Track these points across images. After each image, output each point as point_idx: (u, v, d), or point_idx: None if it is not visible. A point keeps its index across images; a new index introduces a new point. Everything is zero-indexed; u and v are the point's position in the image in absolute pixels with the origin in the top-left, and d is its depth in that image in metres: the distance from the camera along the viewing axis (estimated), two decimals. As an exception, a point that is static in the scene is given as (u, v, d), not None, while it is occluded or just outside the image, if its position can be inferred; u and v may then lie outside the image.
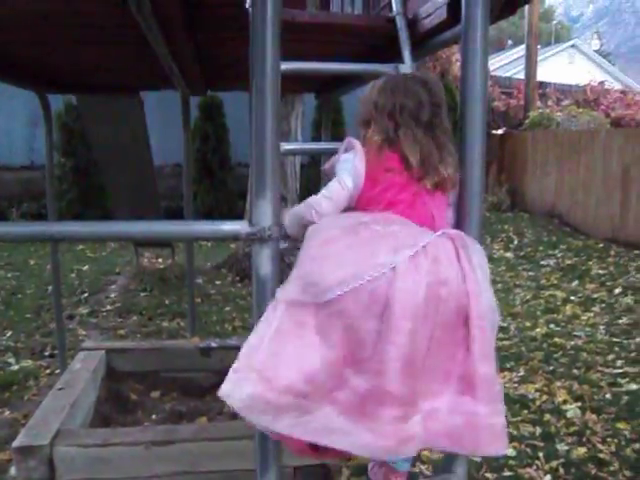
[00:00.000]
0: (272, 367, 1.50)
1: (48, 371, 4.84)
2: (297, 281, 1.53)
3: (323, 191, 1.65)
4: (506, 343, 5.14)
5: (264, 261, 1.54)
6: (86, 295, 6.98)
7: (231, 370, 1.53)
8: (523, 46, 15.61)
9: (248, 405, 1.50)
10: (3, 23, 2.30)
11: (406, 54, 2.16)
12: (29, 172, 11.30)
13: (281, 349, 1.51)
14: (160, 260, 8.55)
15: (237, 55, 2.44)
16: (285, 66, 1.82)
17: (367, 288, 1.48)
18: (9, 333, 5.71)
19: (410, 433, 1.54)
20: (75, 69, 3.41)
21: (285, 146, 2.03)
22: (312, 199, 1.64)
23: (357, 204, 1.67)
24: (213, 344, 4.18)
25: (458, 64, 12.83)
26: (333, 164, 1.72)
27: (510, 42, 34.11)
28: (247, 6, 1.80)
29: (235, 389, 1.51)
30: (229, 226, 1.57)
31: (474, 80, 1.64)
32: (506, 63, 27.12)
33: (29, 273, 8.02)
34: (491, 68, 19.54)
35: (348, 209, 1.67)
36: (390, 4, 2.48)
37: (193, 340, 4.49)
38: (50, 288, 7.37)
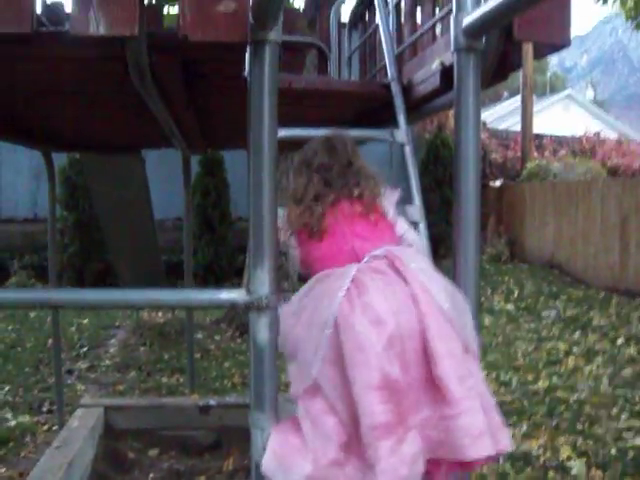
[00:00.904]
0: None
1: (46, 427, 4.79)
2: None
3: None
4: (508, 398, 5.10)
5: (262, 329, 1.56)
6: (85, 349, 6.96)
7: None
8: (519, 97, 15.87)
9: None
10: (10, 90, 2.37)
11: (401, 119, 2.23)
12: (32, 225, 11.38)
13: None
14: (160, 314, 8.54)
15: (237, 117, 2.50)
16: (282, 133, 1.87)
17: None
18: (7, 387, 5.68)
19: (413, 450, 1.60)
20: (78, 130, 3.48)
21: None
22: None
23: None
24: (212, 402, 4.17)
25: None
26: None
27: (506, 94, 34.61)
28: (245, 74, 1.91)
29: None
30: (227, 295, 1.59)
31: (467, 147, 1.69)
32: (502, 115, 27.50)
33: (29, 326, 8.01)
34: (488, 120, 19.80)
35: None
36: (385, 69, 2.55)
37: (192, 398, 4.49)
38: (50, 342, 7.37)
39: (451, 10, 1.80)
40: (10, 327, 7.95)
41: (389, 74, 2.40)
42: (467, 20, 1.60)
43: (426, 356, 1.62)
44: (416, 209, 2.17)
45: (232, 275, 10.49)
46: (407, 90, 2.34)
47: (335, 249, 1.81)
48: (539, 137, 15.46)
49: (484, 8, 1.53)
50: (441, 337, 1.63)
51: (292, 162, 2.05)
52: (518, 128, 14.73)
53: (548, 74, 48.00)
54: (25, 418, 4.95)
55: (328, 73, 4.21)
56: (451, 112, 11.63)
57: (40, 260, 11.13)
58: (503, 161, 13.83)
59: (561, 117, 27.59)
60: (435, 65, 2.03)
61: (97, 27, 1.41)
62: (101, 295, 1.57)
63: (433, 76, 2.07)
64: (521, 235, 12.08)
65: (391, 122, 2.29)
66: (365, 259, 1.75)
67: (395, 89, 2.34)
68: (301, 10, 7.26)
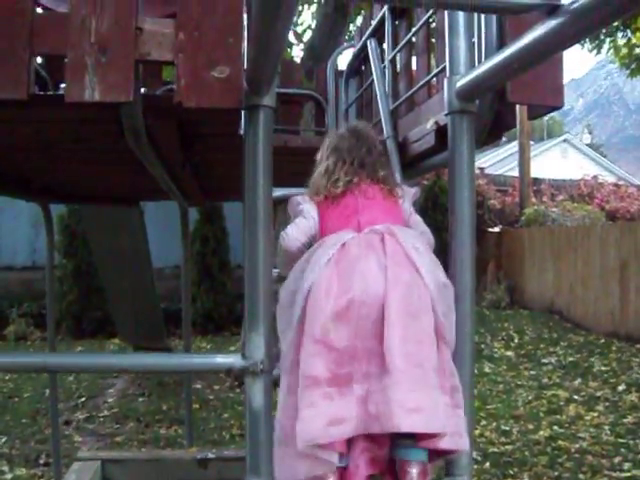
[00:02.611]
0: None
1: (42, 480, 4.74)
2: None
3: (294, 220, 1.98)
4: (509, 448, 5.04)
5: (257, 394, 1.55)
6: (83, 399, 6.89)
7: None
8: (516, 142, 16.00)
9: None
10: (7, 146, 2.39)
11: (397, 175, 2.24)
12: (31, 272, 11.34)
13: None
14: (159, 362, 8.46)
15: (234, 172, 2.52)
16: (278, 193, 1.88)
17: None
18: (4, 439, 5.61)
19: (339, 414, 1.64)
20: (76, 182, 3.51)
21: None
22: (282, 233, 1.96)
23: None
24: (210, 455, 4.12)
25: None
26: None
27: (504, 139, 34.93)
28: (241, 132, 1.95)
29: None
30: (222, 360, 1.58)
31: (462, 207, 1.70)
32: (500, 159, 27.71)
33: (27, 376, 7.92)
34: (485, 165, 19.99)
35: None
36: (381, 124, 2.58)
37: (190, 450, 4.43)
38: (47, 392, 7.31)
39: (445, 68, 1.84)
40: (7, 377, 7.88)
41: (385, 131, 2.43)
42: (460, 83, 1.63)
43: (380, 333, 1.67)
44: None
45: (231, 323, 10.44)
46: (403, 146, 2.37)
47: (343, 219, 1.89)
48: (537, 181, 15.55)
49: (476, 72, 1.56)
50: (399, 312, 1.67)
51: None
52: (516, 172, 14.82)
53: (545, 118, 48.48)
54: (22, 471, 4.89)
55: (325, 124, 4.24)
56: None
57: (39, 308, 11.09)
58: (501, 207, 13.88)
59: (559, 161, 27.82)
60: (430, 125, 2.05)
61: (92, 93, 1.44)
62: (96, 360, 1.56)
63: (428, 135, 2.09)
64: (521, 281, 12.07)
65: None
66: (365, 231, 1.83)
67: (391, 146, 2.36)
68: (299, 61, 7.38)
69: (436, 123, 1.99)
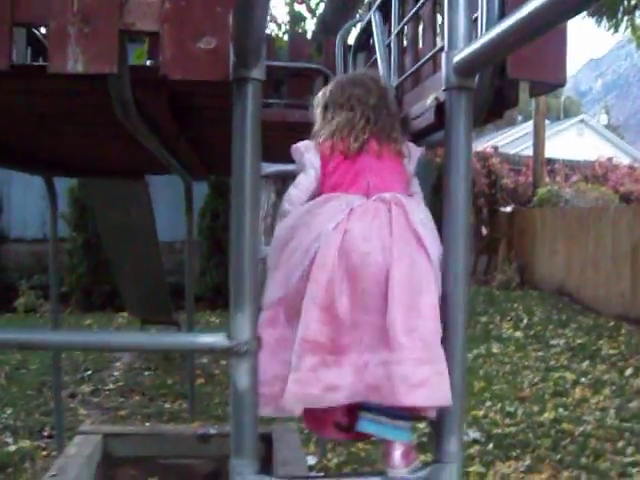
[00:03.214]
0: None
1: (45, 453, 4.74)
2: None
3: (293, 183, 1.88)
4: (513, 429, 5.01)
5: (242, 375, 1.51)
6: (90, 372, 6.92)
7: None
8: (532, 121, 15.80)
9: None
10: (4, 119, 2.36)
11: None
12: (41, 245, 11.35)
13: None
14: (167, 336, 8.51)
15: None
16: (270, 169, 1.84)
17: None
18: (9, 411, 5.64)
19: (335, 382, 1.62)
20: (77, 156, 3.47)
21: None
22: (285, 195, 1.88)
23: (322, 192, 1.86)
24: (212, 430, 4.11)
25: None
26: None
27: (520, 117, 34.59)
28: None
29: None
30: (206, 339, 1.54)
31: (457, 189, 1.64)
32: (516, 138, 27.45)
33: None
34: (500, 144, 19.78)
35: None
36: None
37: (192, 426, 4.43)
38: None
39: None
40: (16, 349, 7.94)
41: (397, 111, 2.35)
42: (457, 58, 1.56)
43: (386, 303, 1.64)
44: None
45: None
46: (404, 123, 2.29)
47: (351, 177, 1.82)
48: (551, 162, 15.38)
49: (474, 46, 1.48)
50: (403, 286, 1.64)
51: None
52: (531, 152, 14.64)
53: (562, 98, 47.94)
54: (25, 443, 4.91)
55: None
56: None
57: (49, 280, 11.15)
58: (514, 186, 13.75)
59: (574, 142, 27.51)
60: (430, 101, 1.98)
61: (75, 64, 1.39)
62: (77, 337, 1.53)
63: (428, 111, 2.02)
64: (532, 261, 11.98)
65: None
66: (373, 197, 1.76)
67: None
68: (310, 35, 7.28)
69: (436, 99, 1.91)
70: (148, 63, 3.58)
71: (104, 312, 10.15)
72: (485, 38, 1.39)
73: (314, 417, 1.79)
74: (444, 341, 1.65)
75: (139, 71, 1.59)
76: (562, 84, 1.65)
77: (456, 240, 1.66)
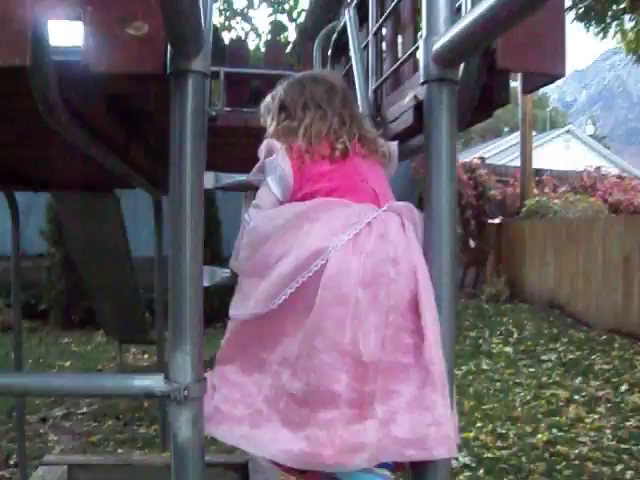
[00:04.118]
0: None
1: (10, 484, 4.49)
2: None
3: (253, 201, 1.59)
4: (504, 453, 4.75)
5: (182, 426, 1.26)
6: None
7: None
8: (519, 132, 15.66)
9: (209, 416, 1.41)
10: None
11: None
12: (20, 261, 11.08)
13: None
14: (146, 356, 8.22)
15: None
16: (226, 181, 1.60)
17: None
18: (-24, 437, 5.37)
19: (357, 441, 1.33)
20: (31, 169, 3.22)
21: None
22: (245, 215, 1.59)
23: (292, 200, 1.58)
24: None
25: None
26: (257, 171, 1.64)
27: (506, 129, 34.58)
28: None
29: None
30: (140, 382, 1.28)
31: (439, 198, 1.39)
32: (502, 149, 27.36)
33: (9, 366, 7.67)
34: (487, 155, 19.66)
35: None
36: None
37: (163, 455, 4.17)
38: (27, 387, 7.05)
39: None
40: (-13, 369, 7.64)
41: (360, 110, 2.11)
42: (437, 45, 1.31)
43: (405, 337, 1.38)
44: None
45: (223, 314, 10.18)
46: (381, 127, 2.05)
47: (352, 182, 1.55)
48: (539, 173, 15.22)
49: (457, 28, 1.23)
50: (433, 315, 1.37)
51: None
52: (518, 163, 14.48)
53: (548, 109, 48.07)
54: (-11, 473, 4.65)
55: None
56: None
57: (28, 297, 10.88)
58: (502, 198, 13.56)
59: (561, 152, 27.45)
60: (408, 99, 1.75)
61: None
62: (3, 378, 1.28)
63: (406, 112, 1.78)
64: (521, 274, 11.78)
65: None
66: (384, 207, 1.49)
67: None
68: (291, 45, 7.09)
69: (415, 97, 1.67)
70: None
71: (84, 329, 9.87)
72: (468, 19, 1.15)
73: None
74: None
75: (67, 68, 1.34)
76: (561, 75, 1.40)
77: (441, 251, 1.40)
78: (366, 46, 2.64)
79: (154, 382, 1.25)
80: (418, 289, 1.37)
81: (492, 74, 1.52)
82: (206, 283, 1.63)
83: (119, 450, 5.09)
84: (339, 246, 1.38)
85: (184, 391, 1.21)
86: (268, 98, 1.79)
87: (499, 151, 27.07)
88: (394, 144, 1.75)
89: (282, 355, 1.42)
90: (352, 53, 2.46)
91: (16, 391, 1.18)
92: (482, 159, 14.93)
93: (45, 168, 3.43)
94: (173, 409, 1.25)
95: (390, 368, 1.37)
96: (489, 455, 4.71)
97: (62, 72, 1.37)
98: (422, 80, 1.38)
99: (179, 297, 1.22)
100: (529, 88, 1.54)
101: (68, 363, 7.96)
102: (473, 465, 4.52)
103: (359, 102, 2.17)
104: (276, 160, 1.57)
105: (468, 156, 16.46)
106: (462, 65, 1.42)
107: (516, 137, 20.52)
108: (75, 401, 6.43)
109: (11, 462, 4.82)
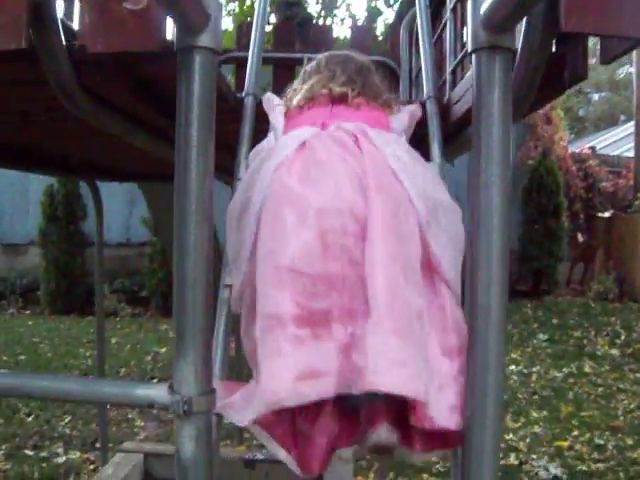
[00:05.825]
0: None
1: (92, 466, 4.58)
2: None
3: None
4: (601, 467, 4.41)
5: (186, 442, 1.12)
6: (156, 381, 6.75)
7: None
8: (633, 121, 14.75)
9: None
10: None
11: (434, 149, 1.70)
12: (125, 249, 11.57)
13: None
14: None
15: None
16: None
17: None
18: (68, 418, 5.55)
19: (319, 365, 1.16)
20: (116, 161, 3.22)
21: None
22: None
23: None
24: (259, 456, 3.81)
25: (562, 143, 12.18)
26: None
27: (623, 117, 32.83)
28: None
29: None
30: (143, 391, 1.15)
31: (489, 184, 1.15)
32: (617, 139, 25.97)
33: (107, 352, 7.90)
34: (600, 145, 18.68)
35: None
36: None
37: (239, 449, 4.14)
38: (123, 370, 7.25)
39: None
40: (88, 353, 7.91)
41: (425, 90, 1.90)
42: (486, 5, 1.06)
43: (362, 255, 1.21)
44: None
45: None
46: (445, 110, 1.84)
47: (304, 120, 1.53)
48: (656, 163, 14.30)
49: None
50: (386, 229, 1.21)
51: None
52: (632, 154, 13.64)
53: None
54: (75, 454, 4.80)
55: (399, 92, 3.88)
56: (558, 136, 10.68)
57: (131, 284, 11.30)
58: (614, 190, 12.82)
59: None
60: (469, 74, 1.54)
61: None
62: (5, 380, 1.19)
63: (469, 90, 1.57)
64: (632, 272, 11.10)
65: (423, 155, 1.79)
66: (331, 128, 1.42)
67: (431, 109, 1.82)
68: (390, 27, 6.87)
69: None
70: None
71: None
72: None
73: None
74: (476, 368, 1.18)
75: (73, 49, 1.23)
76: (646, 35, 1.14)
77: (490, 256, 1.16)
78: (445, 24, 2.43)
79: (157, 392, 1.12)
80: (368, 197, 1.24)
81: (563, 41, 1.29)
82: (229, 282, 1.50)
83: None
84: (271, 173, 1.34)
85: (184, 405, 1.08)
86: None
87: (613, 141, 25.73)
88: (414, 105, 1.73)
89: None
90: (420, 28, 2.26)
91: (19, 393, 1.09)
92: (592, 149, 14.20)
93: (123, 160, 3.43)
94: (177, 423, 1.12)
95: (347, 283, 1.20)
96: (583, 468, 4.38)
97: (76, 55, 1.27)
98: (470, 49, 1.15)
99: (181, 301, 1.09)
100: (607, 56, 1.26)
101: (164, 349, 8.12)
102: (564, 477, 4.22)
103: (424, 81, 1.97)
104: (274, 115, 1.67)
105: (580, 146, 15.63)
106: (522, 30, 1.20)
107: (632, 126, 19.40)
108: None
109: (97, 445, 4.93)
